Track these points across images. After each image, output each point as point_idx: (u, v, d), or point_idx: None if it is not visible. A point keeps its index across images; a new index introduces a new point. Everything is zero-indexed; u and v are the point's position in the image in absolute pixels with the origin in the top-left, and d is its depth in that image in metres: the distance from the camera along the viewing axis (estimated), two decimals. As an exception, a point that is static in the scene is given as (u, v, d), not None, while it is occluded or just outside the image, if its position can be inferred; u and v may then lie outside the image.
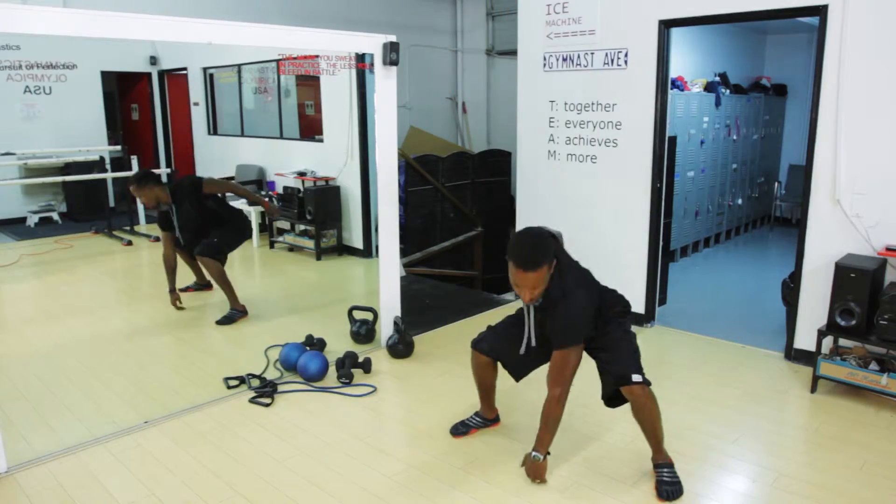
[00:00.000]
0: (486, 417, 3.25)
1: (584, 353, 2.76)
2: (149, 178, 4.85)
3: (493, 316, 5.08)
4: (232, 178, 8.31)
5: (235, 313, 4.88)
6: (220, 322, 4.80)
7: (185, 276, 5.35)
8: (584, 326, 2.67)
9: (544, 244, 2.61)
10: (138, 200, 5.33)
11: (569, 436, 3.03)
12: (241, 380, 3.77)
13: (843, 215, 3.71)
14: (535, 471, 2.75)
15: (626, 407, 3.48)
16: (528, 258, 2.54)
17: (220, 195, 5.21)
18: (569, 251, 2.82)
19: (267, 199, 5.04)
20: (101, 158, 8.46)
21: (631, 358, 2.75)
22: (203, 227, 4.97)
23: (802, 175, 3.88)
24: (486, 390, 3.16)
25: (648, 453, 2.98)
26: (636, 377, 2.67)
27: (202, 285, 5.52)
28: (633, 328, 2.90)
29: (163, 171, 9.21)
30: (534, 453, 2.73)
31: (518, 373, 3.02)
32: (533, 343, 2.85)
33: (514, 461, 2.91)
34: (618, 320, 2.82)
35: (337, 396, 3.61)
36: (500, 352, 2.99)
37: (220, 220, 5.03)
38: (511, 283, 2.62)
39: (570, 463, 2.90)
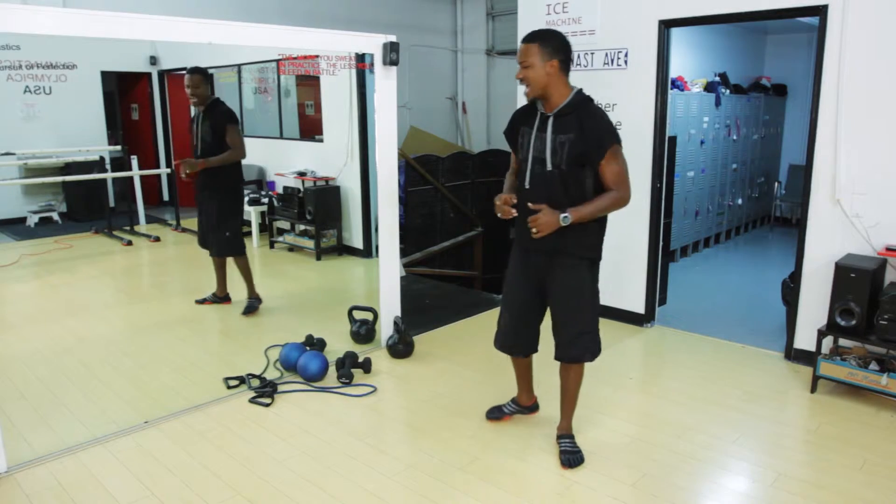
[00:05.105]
0: (522, 404, 3.26)
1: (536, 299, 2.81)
2: (202, 72, 4.85)
3: (494, 316, 5.08)
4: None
5: (255, 301, 5.04)
6: (244, 313, 4.97)
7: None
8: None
9: (554, 35, 2.61)
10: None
11: (569, 436, 3.02)
12: (241, 380, 3.77)
13: (843, 215, 3.70)
14: (548, 217, 2.54)
15: (625, 408, 3.50)
16: (531, 32, 2.61)
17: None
18: None
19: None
20: (101, 158, 8.45)
21: (588, 330, 2.75)
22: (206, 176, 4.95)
23: (802, 175, 3.88)
24: (520, 374, 3.17)
25: (650, 453, 2.99)
26: (586, 357, 2.78)
27: (220, 298, 5.24)
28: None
29: (163, 171, 9.23)
30: (563, 215, 2.55)
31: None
32: (549, 167, 2.62)
33: (515, 461, 2.91)
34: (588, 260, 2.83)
35: (337, 396, 3.61)
36: (518, 332, 2.96)
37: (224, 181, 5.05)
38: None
39: (570, 463, 2.90)
